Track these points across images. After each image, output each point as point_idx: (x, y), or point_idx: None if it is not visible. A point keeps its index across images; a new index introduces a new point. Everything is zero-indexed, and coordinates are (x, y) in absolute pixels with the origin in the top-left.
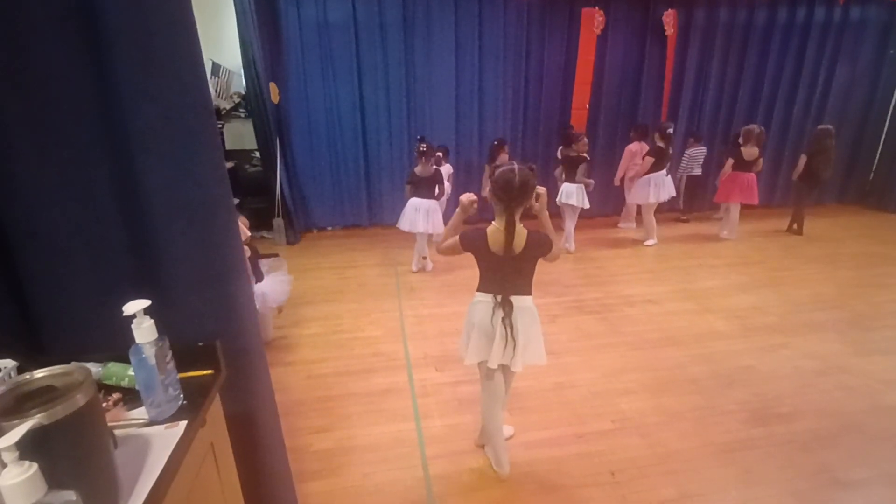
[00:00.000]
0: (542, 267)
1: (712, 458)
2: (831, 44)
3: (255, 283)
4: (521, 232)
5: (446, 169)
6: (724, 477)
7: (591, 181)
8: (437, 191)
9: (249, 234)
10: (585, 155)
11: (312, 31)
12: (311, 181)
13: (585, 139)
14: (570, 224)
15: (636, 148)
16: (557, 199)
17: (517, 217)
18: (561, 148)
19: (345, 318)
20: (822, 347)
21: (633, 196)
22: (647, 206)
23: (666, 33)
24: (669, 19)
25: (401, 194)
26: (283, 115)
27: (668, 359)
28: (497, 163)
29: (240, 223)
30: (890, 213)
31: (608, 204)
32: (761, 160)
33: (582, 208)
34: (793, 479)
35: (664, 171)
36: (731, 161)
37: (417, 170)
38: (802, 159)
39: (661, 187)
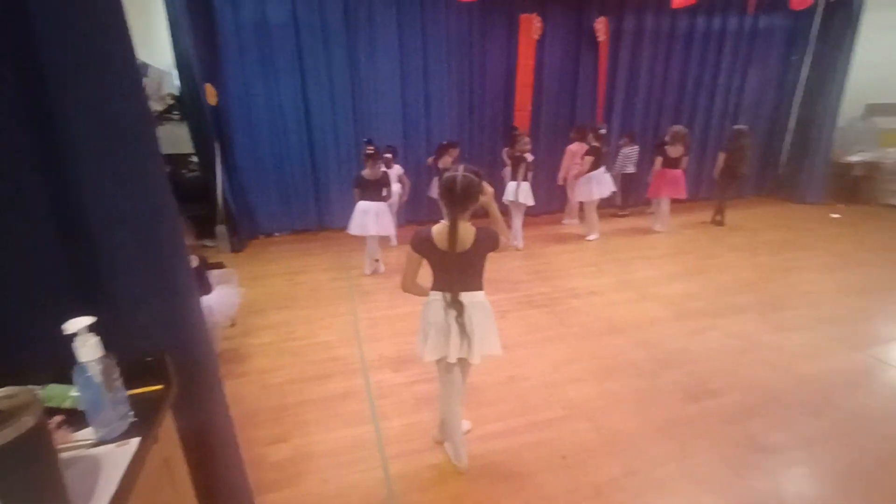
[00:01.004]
0: (492, 264)
1: (653, 435)
2: (744, 50)
3: (202, 294)
4: (469, 229)
5: (396, 170)
6: (664, 452)
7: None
8: (384, 192)
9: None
10: (527, 155)
11: (250, 31)
12: (256, 186)
13: (527, 139)
14: (517, 221)
15: (576, 148)
16: (504, 198)
17: (462, 218)
18: (506, 149)
19: (297, 325)
20: (744, 327)
21: (577, 194)
22: (590, 202)
23: (598, 39)
24: (601, 26)
25: (350, 197)
26: (222, 117)
27: (611, 346)
28: (440, 164)
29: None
30: (796, 203)
31: (553, 202)
32: (686, 158)
33: (527, 205)
34: (723, 447)
35: (603, 169)
36: (659, 159)
37: (365, 172)
38: (721, 157)
39: (602, 184)
